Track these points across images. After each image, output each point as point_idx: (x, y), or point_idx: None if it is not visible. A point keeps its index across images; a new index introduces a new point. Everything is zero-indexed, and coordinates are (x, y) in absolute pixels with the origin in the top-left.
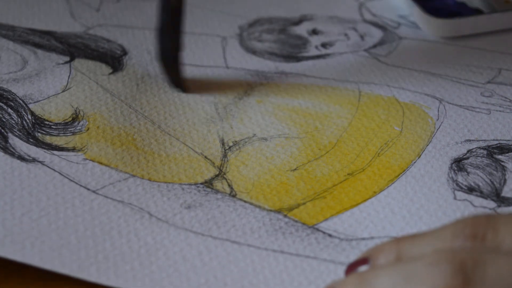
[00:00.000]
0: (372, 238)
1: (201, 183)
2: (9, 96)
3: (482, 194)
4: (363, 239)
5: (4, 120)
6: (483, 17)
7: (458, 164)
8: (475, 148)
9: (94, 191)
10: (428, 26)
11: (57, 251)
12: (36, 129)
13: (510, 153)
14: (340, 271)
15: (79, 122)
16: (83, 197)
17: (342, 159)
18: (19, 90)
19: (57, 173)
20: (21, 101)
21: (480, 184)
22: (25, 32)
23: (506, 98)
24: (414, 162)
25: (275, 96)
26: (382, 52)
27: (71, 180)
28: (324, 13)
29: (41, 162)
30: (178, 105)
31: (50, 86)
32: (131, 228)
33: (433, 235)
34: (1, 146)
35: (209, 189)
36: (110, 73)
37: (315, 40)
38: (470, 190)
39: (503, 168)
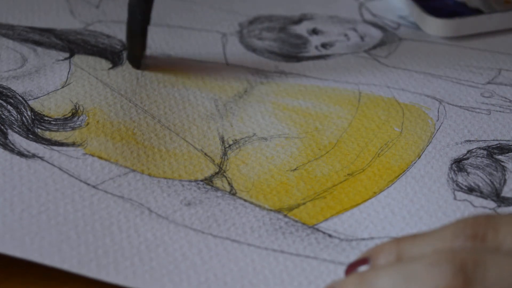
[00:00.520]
0: (372, 238)
1: (201, 180)
2: (8, 93)
3: (482, 194)
4: (363, 239)
5: (4, 116)
6: (483, 17)
7: (458, 164)
8: (475, 148)
9: (94, 186)
10: (428, 26)
11: (57, 247)
12: (35, 125)
13: (510, 153)
14: (340, 271)
15: (78, 117)
16: (83, 192)
17: (342, 159)
18: (18, 87)
19: (57, 168)
20: (20, 98)
21: (480, 184)
22: (25, 30)
23: (506, 98)
24: (414, 163)
25: (275, 96)
26: (382, 53)
27: (71, 175)
28: (324, 12)
29: (41, 158)
30: (178, 100)
31: (49, 83)
32: (131, 224)
33: (433, 235)
34: (1, 142)
35: (209, 187)
36: (110, 68)
37: (315, 40)
38: (470, 190)
39: (503, 168)
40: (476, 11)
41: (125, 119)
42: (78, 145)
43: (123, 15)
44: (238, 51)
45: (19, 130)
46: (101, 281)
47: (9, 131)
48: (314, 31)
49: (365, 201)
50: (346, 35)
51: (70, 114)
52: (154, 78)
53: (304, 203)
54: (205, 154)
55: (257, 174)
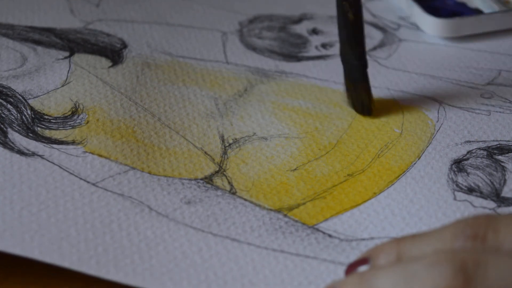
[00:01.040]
0: (372, 238)
1: (201, 179)
2: (8, 92)
3: (482, 195)
4: (363, 239)
5: (4, 115)
6: (483, 17)
7: (458, 165)
8: (475, 149)
9: (94, 184)
10: (428, 26)
11: (57, 244)
12: (35, 124)
13: (510, 153)
14: (340, 271)
15: (78, 116)
16: (82, 190)
17: (342, 159)
18: (18, 86)
19: (57, 166)
20: (20, 97)
21: (480, 184)
22: (25, 30)
23: (506, 99)
24: (414, 164)
25: (275, 96)
26: (382, 55)
27: (71, 173)
28: (324, 12)
29: (41, 156)
30: (178, 98)
31: (49, 82)
32: (131, 222)
33: (433, 235)
34: (1, 141)
35: (209, 185)
36: (110, 67)
37: (315, 40)
38: (470, 190)
39: (503, 169)
40: (476, 11)
41: (125, 117)
42: (78, 143)
43: (123, 13)
44: (238, 50)
45: (19, 129)
46: (101, 279)
47: (9, 130)
48: (314, 31)
49: (365, 201)
50: None
51: (70, 113)
52: (154, 76)
53: (304, 203)
54: (205, 152)
55: (257, 173)
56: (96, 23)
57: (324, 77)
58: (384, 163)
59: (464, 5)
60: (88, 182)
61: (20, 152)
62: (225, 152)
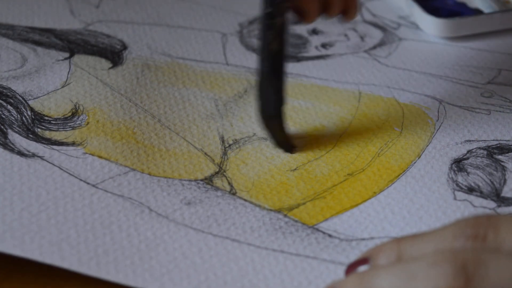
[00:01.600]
0: (372, 238)
1: (201, 180)
2: (8, 93)
3: (482, 194)
4: (363, 239)
5: (4, 116)
6: (483, 17)
7: (458, 164)
8: (475, 148)
9: (94, 185)
10: (428, 26)
11: (57, 246)
12: (35, 125)
13: (510, 153)
14: (340, 271)
15: (78, 117)
16: (82, 191)
17: (342, 159)
18: (18, 87)
19: (57, 167)
20: (20, 98)
21: (480, 184)
22: (25, 30)
23: (506, 98)
24: (414, 163)
25: None
26: (382, 54)
27: (71, 175)
28: None
29: (41, 157)
30: (178, 100)
31: (49, 83)
32: (131, 223)
33: (434, 235)
34: (1, 142)
35: (209, 186)
36: (110, 68)
37: (315, 40)
38: (470, 190)
39: (503, 168)
40: (476, 11)
41: (125, 119)
42: (78, 145)
43: (123, 14)
44: (238, 51)
45: (19, 129)
46: (101, 280)
47: (9, 130)
48: (314, 31)
49: (365, 201)
50: (346, 35)
51: (70, 114)
52: (154, 78)
53: (304, 203)
54: (205, 153)
55: (257, 174)
56: (96, 24)
57: (324, 77)
58: (384, 162)
59: (464, 5)
60: (88, 183)
61: (20, 153)
62: (225, 153)
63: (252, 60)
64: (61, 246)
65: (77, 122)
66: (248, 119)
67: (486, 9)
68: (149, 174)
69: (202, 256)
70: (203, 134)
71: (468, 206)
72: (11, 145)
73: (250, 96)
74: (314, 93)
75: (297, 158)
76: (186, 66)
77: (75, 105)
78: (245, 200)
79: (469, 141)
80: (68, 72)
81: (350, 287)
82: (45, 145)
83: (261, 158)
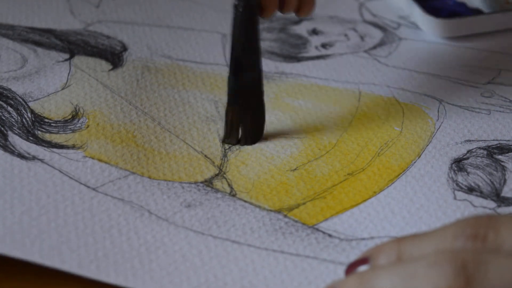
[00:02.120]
0: (372, 238)
1: (201, 182)
2: (8, 95)
3: (482, 194)
4: (363, 239)
5: (4, 118)
6: (483, 17)
7: (458, 164)
8: (475, 148)
9: (94, 189)
10: (428, 26)
11: (57, 249)
12: (35, 127)
13: (510, 153)
14: (340, 271)
15: (79, 120)
16: (83, 194)
17: (342, 159)
18: (18, 88)
19: (57, 170)
20: (20, 99)
21: (480, 184)
22: (25, 30)
23: (506, 98)
24: (414, 162)
25: (275, 96)
26: (382, 53)
27: (71, 178)
28: (324, 12)
29: (41, 160)
30: (178, 102)
31: (50, 84)
32: (131, 226)
33: (434, 235)
34: (1, 144)
35: (209, 188)
36: (110, 70)
37: (315, 40)
38: (470, 190)
39: (503, 168)
40: (476, 11)
41: (125, 122)
42: (78, 148)
43: (123, 15)
44: None
45: (19, 132)
46: (102, 283)
47: (9, 133)
48: (314, 31)
49: (365, 200)
50: (346, 35)
51: (70, 116)
52: (154, 80)
53: (304, 203)
54: (205, 156)
55: (257, 174)
56: (96, 24)
57: (324, 77)
58: (384, 162)
59: (464, 5)
60: (88, 187)
61: (21, 156)
62: (225, 155)
63: None
64: (61, 249)
65: (77, 125)
66: None
67: (486, 9)
68: (149, 177)
69: (202, 258)
70: (203, 136)
71: (468, 206)
72: (12, 147)
73: None
74: (314, 93)
75: (297, 158)
76: (186, 68)
77: (75, 108)
78: (245, 201)
79: (469, 141)
80: (68, 73)
81: (350, 287)
82: (45, 148)
83: (261, 158)
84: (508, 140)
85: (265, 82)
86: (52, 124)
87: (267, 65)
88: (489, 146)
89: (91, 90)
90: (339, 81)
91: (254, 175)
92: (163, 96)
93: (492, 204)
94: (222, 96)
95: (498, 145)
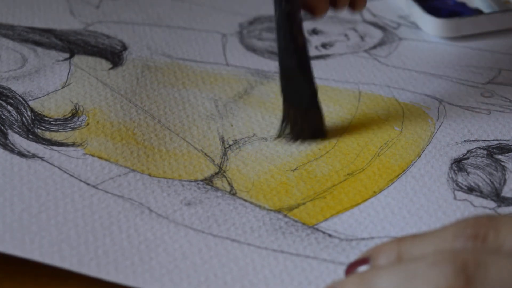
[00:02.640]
0: (372, 238)
1: (201, 180)
2: (8, 94)
3: (482, 194)
4: (363, 239)
5: (4, 117)
6: (483, 17)
7: (458, 164)
8: (475, 148)
9: (94, 186)
10: (428, 26)
11: (57, 246)
12: (35, 125)
13: (510, 153)
14: (340, 271)
15: (78, 118)
16: (82, 192)
17: (342, 159)
18: (18, 87)
19: (57, 168)
20: (20, 98)
21: (480, 184)
22: (25, 30)
23: (506, 98)
24: (414, 162)
25: (275, 96)
26: (382, 53)
27: (71, 175)
28: None
29: (41, 158)
30: (178, 100)
31: (49, 83)
32: (131, 224)
33: (434, 235)
34: (1, 142)
35: (209, 187)
36: (110, 69)
37: (315, 40)
38: (470, 190)
39: (503, 168)
40: (476, 11)
41: (125, 119)
42: (78, 145)
43: (123, 15)
44: (238, 51)
45: (19, 130)
46: (102, 281)
47: (9, 131)
48: (314, 31)
49: (365, 200)
50: (346, 35)
51: (70, 115)
52: (154, 78)
53: (304, 203)
54: (205, 154)
55: (257, 174)
56: (96, 24)
57: (324, 77)
58: (384, 162)
59: (464, 5)
60: (88, 184)
61: (21, 154)
62: (225, 153)
63: (252, 61)
64: (61, 246)
65: (77, 123)
66: (248, 119)
67: (486, 9)
68: (149, 174)
69: (202, 256)
70: (203, 134)
71: (468, 206)
72: (11, 146)
73: (250, 96)
74: None
75: (297, 158)
76: (186, 66)
77: (75, 106)
78: (245, 200)
79: (469, 141)
80: (68, 72)
81: (350, 287)
82: (45, 146)
83: (261, 158)
84: (508, 140)
85: (265, 82)
86: (52, 122)
87: (267, 64)
88: (489, 146)
89: (91, 88)
90: (339, 81)
91: (254, 175)
92: (163, 94)
93: (492, 204)
94: (222, 95)
95: (498, 145)
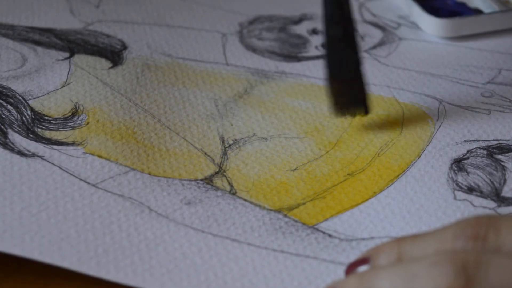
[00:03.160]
0: (372, 238)
1: (201, 180)
2: (8, 93)
3: (482, 194)
4: (363, 239)
5: (4, 116)
6: (483, 17)
7: (458, 164)
8: (475, 148)
9: (94, 185)
10: (428, 26)
11: (57, 245)
12: (35, 125)
13: (510, 153)
14: (340, 271)
15: (78, 117)
16: (82, 191)
17: (342, 159)
18: (18, 87)
19: (57, 167)
20: (20, 98)
21: (480, 184)
22: (25, 30)
23: (506, 98)
24: (414, 163)
25: (275, 96)
26: (382, 53)
27: (71, 174)
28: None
29: (41, 157)
30: (178, 100)
31: (49, 82)
32: (131, 223)
33: (434, 235)
34: (1, 141)
35: (209, 186)
36: (110, 68)
37: (315, 40)
38: (470, 190)
39: (503, 168)
40: (476, 11)
41: (125, 118)
42: (78, 144)
43: (123, 14)
44: (238, 51)
45: (19, 129)
46: (101, 280)
47: (9, 130)
48: (314, 31)
49: (365, 201)
50: None
51: (70, 114)
52: (154, 77)
53: (304, 203)
54: (205, 153)
55: (257, 174)
56: (96, 24)
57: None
58: (384, 162)
59: (464, 5)
60: (88, 183)
61: (20, 153)
62: (225, 153)
63: (252, 60)
64: (61, 245)
65: (77, 122)
66: (248, 119)
67: (486, 9)
68: (149, 173)
69: (202, 256)
70: (203, 134)
71: (468, 206)
72: (11, 145)
73: (250, 96)
74: (314, 93)
75: (297, 158)
76: (186, 66)
77: (75, 105)
78: (245, 200)
79: (469, 141)
80: (68, 72)
81: (350, 287)
82: (45, 145)
83: (261, 158)
84: (508, 140)
85: (265, 82)
86: (52, 121)
87: (267, 64)
88: (489, 146)
89: (91, 87)
90: None
91: (254, 175)
92: (163, 93)
93: (492, 204)
94: (222, 95)
95: (498, 145)
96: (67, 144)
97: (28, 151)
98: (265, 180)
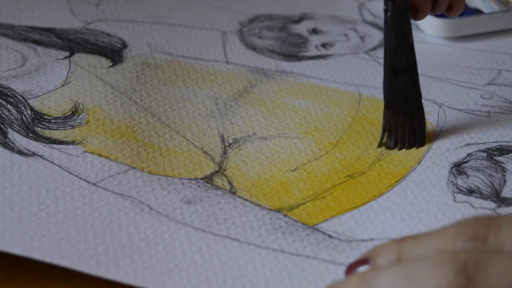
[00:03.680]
0: (372, 239)
1: (201, 179)
2: (8, 93)
3: (482, 196)
4: (363, 240)
5: (4, 116)
6: (483, 17)
7: (458, 168)
8: (475, 151)
9: (94, 184)
10: (428, 26)
11: (57, 244)
12: (35, 124)
13: (510, 154)
14: (340, 271)
15: (78, 116)
16: (82, 189)
17: (342, 160)
18: (18, 86)
19: (57, 166)
20: (20, 97)
21: (480, 186)
22: (25, 30)
23: (506, 99)
24: (414, 168)
25: (275, 95)
26: (382, 55)
27: (71, 173)
28: (324, 12)
29: (41, 156)
30: (178, 98)
31: (49, 82)
32: (131, 221)
33: (434, 236)
34: (1, 141)
35: (209, 185)
36: (110, 66)
37: (315, 40)
38: (470, 192)
39: (503, 169)
40: (476, 11)
41: (125, 117)
42: (78, 143)
43: (123, 13)
44: (238, 49)
45: (19, 129)
46: (101, 279)
47: (9, 130)
48: (314, 31)
49: (365, 203)
50: (346, 35)
51: (70, 113)
52: (154, 76)
53: (304, 203)
54: (205, 152)
55: (257, 173)
56: (96, 23)
57: (324, 77)
58: (384, 167)
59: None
60: (88, 182)
61: (20, 152)
62: (225, 152)
63: (252, 59)
64: (61, 244)
65: (77, 121)
66: (248, 118)
67: (486, 9)
68: (149, 172)
69: (202, 255)
70: (203, 132)
71: (468, 207)
72: (11, 144)
73: (250, 95)
74: (314, 93)
75: (297, 158)
76: (186, 64)
77: (75, 104)
78: (245, 199)
79: (469, 144)
80: (68, 71)
81: (350, 287)
82: (45, 144)
83: (261, 157)
84: (508, 141)
85: (265, 81)
86: (51, 120)
87: (267, 63)
88: (489, 148)
89: (91, 86)
90: (339, 82)
91: (254, 174)
92: (163, 92)
93: (492, 205)
94: (222, 93)
95: (498, 146)
96: (67, 143)
97: (28, 150)
98: (265, 179)
